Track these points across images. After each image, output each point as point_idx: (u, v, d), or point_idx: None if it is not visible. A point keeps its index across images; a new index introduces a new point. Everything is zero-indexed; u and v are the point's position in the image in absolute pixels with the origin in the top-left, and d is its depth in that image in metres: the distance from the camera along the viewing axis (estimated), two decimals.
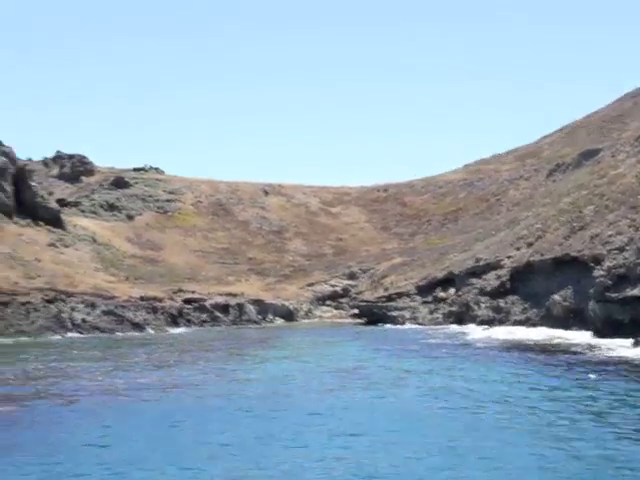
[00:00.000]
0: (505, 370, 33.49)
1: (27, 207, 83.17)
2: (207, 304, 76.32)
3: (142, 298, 70.72)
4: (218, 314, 75.90)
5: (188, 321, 73.06)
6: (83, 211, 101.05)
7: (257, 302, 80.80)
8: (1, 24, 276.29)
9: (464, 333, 56.39)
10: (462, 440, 19.66)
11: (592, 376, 30.10)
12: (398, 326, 70.10)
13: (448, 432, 20.63)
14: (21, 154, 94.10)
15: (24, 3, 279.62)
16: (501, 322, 59.98)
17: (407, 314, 73.09)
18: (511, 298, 61.78)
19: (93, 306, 64.81)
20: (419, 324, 69.55)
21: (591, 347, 41.76)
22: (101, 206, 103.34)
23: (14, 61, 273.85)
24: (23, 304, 60.66)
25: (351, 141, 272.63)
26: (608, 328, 46.46)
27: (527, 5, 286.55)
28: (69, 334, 59.92)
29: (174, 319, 71.10)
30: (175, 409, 24.95)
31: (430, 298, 73.81)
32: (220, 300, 77.79)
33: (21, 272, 66.24)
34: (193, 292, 78.45)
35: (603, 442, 19.09)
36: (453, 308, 69.02)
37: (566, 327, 52.10)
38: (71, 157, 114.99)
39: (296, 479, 16.71)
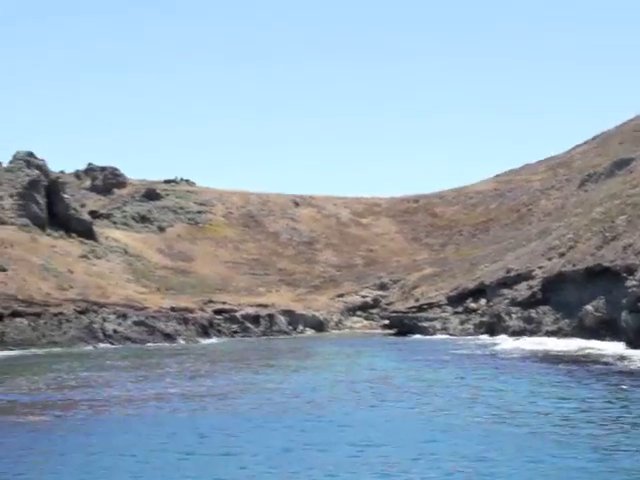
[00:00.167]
0: (536, 381, 33.26)
1: (60, 219, 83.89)
2: (238, 315, 76.49)
3: (173, 309, 71.00)
4: (249, 325, 76.03)
5: (219, 332, 73.23)
6: (115, 223, 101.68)
7: (287, 313, 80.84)
8: (32, 35, 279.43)
9: (495, 344, 56.04)
10: (496, 450, 19.52)
11: (625, 387, 29.81)
12: (428, 337, 69.82)
13: (481, 442, 20.49)
14: (54, 167, 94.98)
15: (56, 13, 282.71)
16: (532, 333, 59.54)
17: (438, 325, 72.81)
18: (542, 309, 61.30)
19: (124, 317, 65.19)
20: (450, 335, 69.22)
21: (622, 358, 41.35)
22: (133, 218, 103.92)
23: (47, 75, 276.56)
24: (55, 315, 61.15)
25: (381, 152, 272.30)
26: None
27: (559, 9, 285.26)
28: (101, 345, 60.32)
29: (205, 330, 71.27)
30: (205, 419, 25.00)
31: (461, 309, 73.45)
32: (251, 311, 77.91)
33: (54, 283, 66.78)
34: (224, 303, 78.63)
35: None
36: (484, 319, 68.63)
37: (598, 338, 51.62)
38: (103, 169, 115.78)
39: None
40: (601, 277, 55.30)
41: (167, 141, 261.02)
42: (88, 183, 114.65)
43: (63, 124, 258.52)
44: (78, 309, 63.11)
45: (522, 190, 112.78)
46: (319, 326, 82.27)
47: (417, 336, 70.80)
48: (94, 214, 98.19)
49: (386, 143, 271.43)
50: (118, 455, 19.65)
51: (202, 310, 74.71)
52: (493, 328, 65.46)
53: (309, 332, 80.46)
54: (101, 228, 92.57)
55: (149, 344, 62.43)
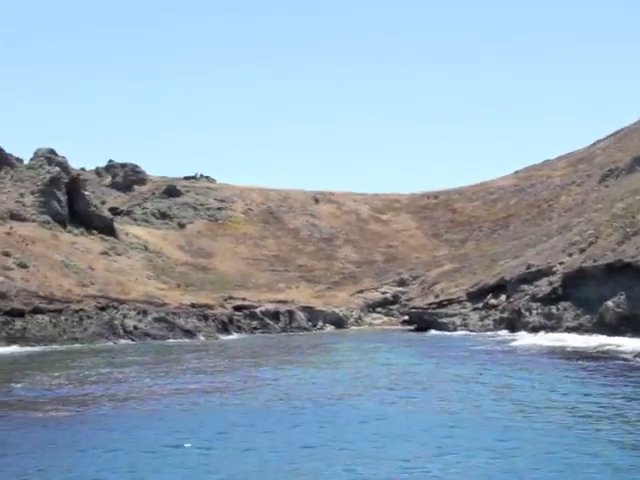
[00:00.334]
0: (556, 377, 33.15)
1: (80, 216, 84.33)
2: (257, 311, 76.65)
3: (193, 305, 71.25)
4: (268, 321, 76.16)
5: (239, 328, 73.40)
6: (135, 219, 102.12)
7: (307, 309, 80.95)
8: (54, 35, 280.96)
9: (515, 340, 55.89)
10: (517, 445, 19.49)
11: None
12: (448, 333, 69.73)
13: (502, 438, 20.46)
14: (74, 164, 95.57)
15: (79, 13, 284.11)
16: (553, 329, 59.30)
17: (458, 321, 72.68)
18: (563, 304, 61.02)
19: (145, 313, 65.47)
20: (470, 331, 69.08)
21: None
22: (153, 214, 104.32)
23: (68, 73, 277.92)
24: (76, 311, 61.51)
25: (401, 148, 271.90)
26: None
27: (575, 7, 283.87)
28: (121, 341, 60.61)
29: (225, 326, 71.44)
30: (225, 414, 25.09)
31: (481, 305, 73.27)
32: (270, 307, 78.06)
33: (74, 280, 67.15)
34: (244, 299, 78.82)
35: None
36: (504, 315, 68.42)
37: (619, 334, 51.36)
38: (123, 166, 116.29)
39: None
40: (622, 273, 55.03)
41: (187, 138, 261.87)
42: (109, 180, 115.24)
43: (84, 121, 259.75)
44: (99, 305, 63.46)
45: (542, 186, 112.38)
46: (339, 322, 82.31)
47: (437, 332, 70.74)
48: (114, 211, 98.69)
49: (406, 139, 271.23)
50: (139, 451, 19.73)
51: (222, 306, 74.91)
52: (513, 324, 65.24)
53: (329, 328, 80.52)
54: (121, 225, 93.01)
55: (169, 340, 62.66)
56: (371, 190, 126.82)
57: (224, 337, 67.57)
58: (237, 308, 76.26)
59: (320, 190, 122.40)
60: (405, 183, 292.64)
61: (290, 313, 78.34)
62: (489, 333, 65.44)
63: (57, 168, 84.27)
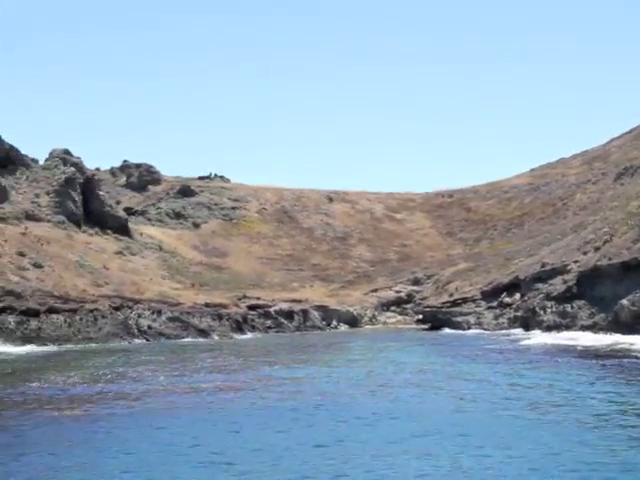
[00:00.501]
0: (571, 375, 33.06)
1: (95, 216, 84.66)
2: (272, 310, 76.75)
3: (207, 305, 71.39)
4: (282, 320, 76.25)
5: (253, 327, 73.49)
6: (150, 219, 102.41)
7: (321, 308, 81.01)
8: (68, 35, 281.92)
9: (529, 338, 55.75)
10: (534, 443, 19.44)
11: None
12: (462, 331, 69.66)
13: (519, 436, 20.43)
14: (89, 164, 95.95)
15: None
16: (567, 327, 59.14)
17: (472, 319, 72.60)
18: (578, 303, 60.83)
19: (159, 313, 65.64)
20: (484, 329, 68.99)
21: None
22: (167, 214, 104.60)
23: (82, 74, 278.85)
24: (91, 311, 61.72)
25: (415, 147, 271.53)
26: None
27: (594, 3, 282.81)
28: (135, 340, 60.77)
29: (239, 325, 71.52)
30: (239, 413, 25.13)
31: (495, 303, 73.15)
32: (284, 306, 78.14)
33: (89, 280, 67.41)
34: (258, 299, 78.94)
35: None
36: (519, 313, 68.27)
37: (634, 332, 51.11)
38: (138, 166, 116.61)
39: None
40: (637, 271, 54.84)
41: (201, 138, 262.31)
42: (123, 180, 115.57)
43: (99, 122, 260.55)
44: (113, 305, 63.67)
45: (557, 184, 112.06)
46: (353, 321, 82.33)
47: (451, 331, 70.68)
48: (129, 211, 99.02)
49: (420, 139, 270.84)
50: (153, 449, 19.77)
51: (236, 306, 75.04)
52: (527, 323, 65.10)
53: (343, 327, 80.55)
54: (136, 225, 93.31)
55: (183, 340, 62.79)
56: (385, 189, 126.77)
57: (238, 336, 67.65)
58: (251, 307, 76.39)
59: (334, 189, 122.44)
60: (419, 182, 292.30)
61: (304, 312, 78.41)
62: (503, 332, 65.34)
63: (72, 168, 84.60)
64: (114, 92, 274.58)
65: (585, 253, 65.66)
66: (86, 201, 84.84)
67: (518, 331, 63.99)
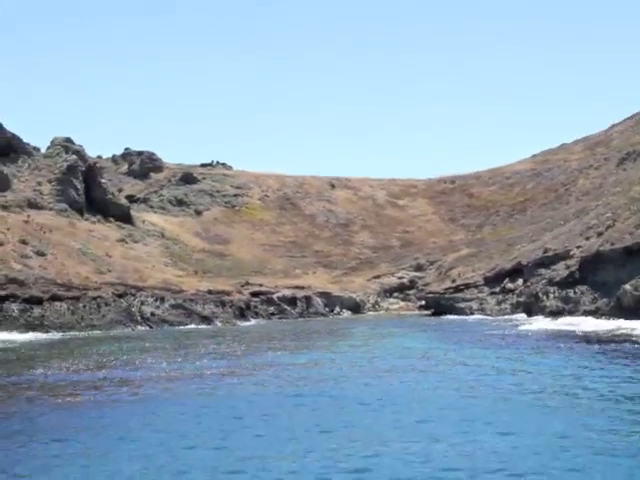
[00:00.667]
0: (573, 360, 33.07)
1: (97, 204, 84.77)
2: (274, 297, 76.90)
3: (210, 292, 71.51)
4: (285, 307, 76.38)
5: (256, 314, 73.62)
6: (152, 207, 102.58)
7: (324, 295, 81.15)
8: (69, 23, 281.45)
9: (531, 324, 55.81)
10: (541, 424, 19.47)
11: None
12: (465, 317, 69.74)
13: (529, 420, 20.46)
14: (91, 152, 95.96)
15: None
16: (570, 312, 59.16)
17: (474, 305, 72.70)
18: (580, 288, 60.82)
19: (162, 300, 65.76)
20: (486, 315, 69.10)
21: None
22: (169, 202, 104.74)
23: (83, 62, 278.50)
24: (94, 299, 61.85)
25: (417, 134, 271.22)
26: None
27: None
28: (139, 327, 60.90)
29: (242, 312, 71.65)
30: (242, 399, 25.14)
31: (498, 289, 73.26)
32: (287, 293, 78.28)
33: (92, 267, 67.52)
34: (261, 285, 79.07)
35: None
36: (521, 299, 68.32)
37: (637, 317, 51.12)
38: (140, 154, 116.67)
39: (376, 469, 16.56)
40: (639, 256, 54.82)
41: (203, 125, 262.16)
42: (125, 168, 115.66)
43: (100, 110, 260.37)
44: (116, 293, 63.80)
45: (559, 170, 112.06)
46: (356, 307, 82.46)
47: (453, 317, 70.75)
48: (131, 198, 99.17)
49: (422, 125, 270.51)
50: (157, 435, 19.79)
51: (239, 292, 75.20)
52: (530, 308, 65.14)
53: (346, 313, 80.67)
54: (138, 212, 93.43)
55: (186, 327, 62.89)
56: (387, 175, 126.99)
57: (241, 323, 67.77)
58: (254, 294, 76.54)
59: (336, 176, 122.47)
60: (422, 168, 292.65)
61: (307, 299, 78.53)
62: (506, 317, 65.44)
63: (74, 156, 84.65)
64: (116, 80, 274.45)
65: (588, 238, 65.66)
66: (88, 189, 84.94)
67: (521, 316, 64.06)
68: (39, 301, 58.70)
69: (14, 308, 57.05)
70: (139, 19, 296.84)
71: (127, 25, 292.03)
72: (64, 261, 66.19)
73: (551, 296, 63.21)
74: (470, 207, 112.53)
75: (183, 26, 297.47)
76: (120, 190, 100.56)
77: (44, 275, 61.81)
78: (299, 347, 43.74)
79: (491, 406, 22.57)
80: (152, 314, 63.76)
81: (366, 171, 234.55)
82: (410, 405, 23.14)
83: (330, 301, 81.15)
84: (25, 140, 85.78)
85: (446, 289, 78.76)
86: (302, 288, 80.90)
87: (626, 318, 51.79)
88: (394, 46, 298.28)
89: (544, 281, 65.77)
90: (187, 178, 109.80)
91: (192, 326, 63.30)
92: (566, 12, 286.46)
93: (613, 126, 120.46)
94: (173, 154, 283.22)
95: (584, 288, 60.51)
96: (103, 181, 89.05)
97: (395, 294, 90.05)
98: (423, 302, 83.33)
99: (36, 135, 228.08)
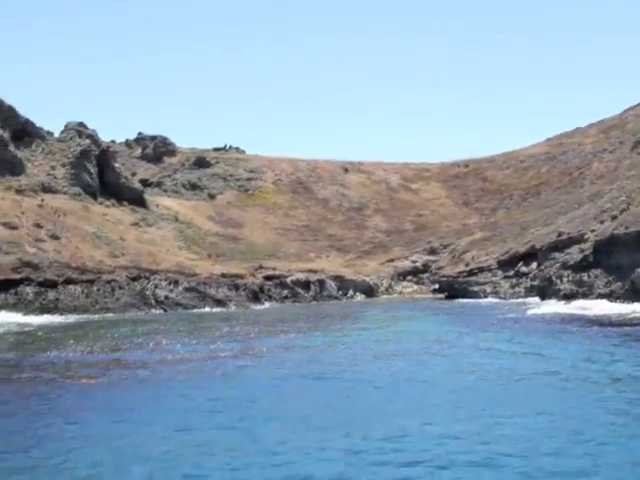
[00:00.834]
0: (586, 344, 33.04)
1: (111, 188, 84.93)
2: (288, 280, 76.92)
3: (224, 275, 71.61)
4: (299, 290, 76.43)
5: (269, 297, 73.68)
6: (165, 191, 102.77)
7: (337, 278, 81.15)
8: (83, 9, 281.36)
9: (545, 307, 55.71)
10: (558, 409, 19.49)
11: None
12: (478, 300, 69.67)
13: (542, 401, 20.51)
14: (104, 136, 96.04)
15: None
16: (584, 296, 58.99)
17: (488, 289, 72.60)
18: (594, 272, 60.61)
19: (176, 283, 65.89)
20: (500, 299, 68.98)
21: None
22: (183, 186, 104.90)
23: (97, 46, 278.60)
24: (108, 282, 62.05)
25: (431, 117, 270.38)
26: None
27: None
28: (153, 311, 61.05)
29: (255, 295, 71.72)
30: (255, 381, 25.22)
31: (512, 273, 73.10)
32: (301, 276, 78.31)
33: (106, 251, 67.72)
34: (274, 269, 79.12)
35: None
36: (535, 282, 68.15)
37: None
38: (153, 138, 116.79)
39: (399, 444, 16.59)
40: None
41: (216, 109, 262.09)
42: (138, 152, 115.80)
43: (113, 95, 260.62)
44: (130, 276, 63.99)
45: (574, 153, 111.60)
46: (369, 291, 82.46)
47: (467, 300, 70.66)
48: (145, 182, 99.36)
49: (436, 108, 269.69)
50: (170, 415, 19.89)
51: (253, 276, 75.27)
52: (544, 292, 64.98)
53: (359, 297, 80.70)
54: (152, 196, 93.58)
55: (200, 310, 63.04)
56: (401, 159, 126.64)
57: (255, 306, 67.86)
58: (268, 278, 76.58)
59: (349, 160, 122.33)
60: (435, 152, 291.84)
61: (320, 282, 78.56)
62: (519, 301, 65.30)
63: (87, 141, 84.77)
64: (129, 65, 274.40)
65: (602, 222, 65.42)
66: (102, 173, 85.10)
67: (534, 300, 63.89)
68: (54, 284, 58.96)
69: (29, 291, 57.35)
70: (152, 3, 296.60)
71: (141, 10, 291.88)
72: (78, 245, 66.42)
73: (565, 280, 63.04)
74: (484, 191, 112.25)
75: (197, 10, 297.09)
76: (134, 174, 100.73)
77: (58, 259, 62.04)
78: (312, 330, 43.83)
79: (505, 390, 22.59)
80: (166, 297, 63.90)
81: (379, 155, 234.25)
82: (425, 389, 23.18)
83: (343, 285, 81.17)
84: (39, 125, 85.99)
85: (460, 273, 78.65)
86: (315, 272, 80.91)
87: None
88: (408, 29, 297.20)
89: (558, 265, 65.59)
90: (200, 162, 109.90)
91: (206, 309, 63.45)
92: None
93: (628, 109, 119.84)
94: (186, 138, 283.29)
95: (598, 272, 60.30)
96: (117, 165, 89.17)
97: (408, 278, 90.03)
98: (436, 286, 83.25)
99: (50, 120, 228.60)
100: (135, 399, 22.29)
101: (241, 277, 73.22)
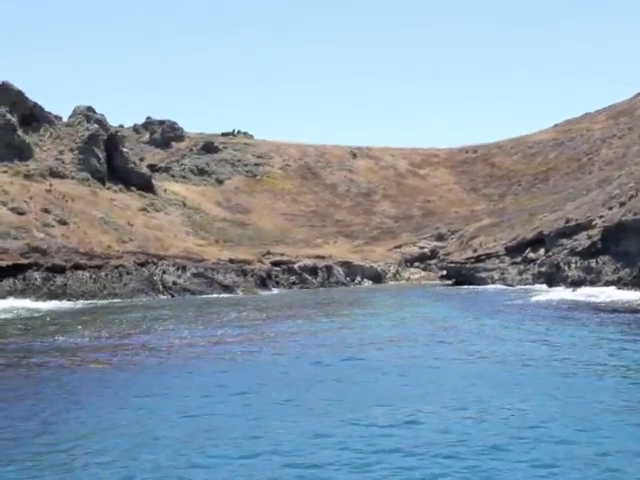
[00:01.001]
0: (595, 330, 33.00)
1: (119, 173, 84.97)
2: (296, 266, 77.02)
3: (231, 261, 71.69)
4: (307, 276, 76.51)
5: (277, 283, 73.80)
6: (173, 176, 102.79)
7: (345, 264, 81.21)
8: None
9: (552, 294, 55.68)
10: (572, 393, 19.49)
11: None
12: (485, 287, 69.62)
13: (550, 386, 20.53)
14: (112, 121, 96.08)
15: None
16: (592, 283, 58.96)
17: (496, 275, 72.56)
18: (602, 258, 60.54)
19: (184, 269, 66.00)
20: (508, 285, 68.95)
21: None
22: (191, 171, 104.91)
23: (106, 33, 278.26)
24: (116, 267, 62.19)
25: (439, 103, 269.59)
26: None
27: None
28: (160, 296, 61.21)
29: (263, 281, 71.82)
30: (262, 366, 25.27)
31: (519, 259, 73.03)
32: (308, 262, 78.38)
33: (114, 236, 67.83)
34: (282, 255, 79.20)
35: None
36: (543, 269, 68.09)
37: None
38: (161, 123, 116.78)
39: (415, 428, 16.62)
40: None
41: (225, 95, 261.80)
42: (147, 137, 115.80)
43: (122, 79, 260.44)
44: (138, 261, 64.11)
45: (582, 139, 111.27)
46: (377, 277, 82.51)
47: (474, 287, 70.60)
48: (153, 167, 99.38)
49: (444, 94, 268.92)
50: (178, 400, 19.95)
51: (260, 262, 75.36)
52: (552, 278, 64.95)
53: (367, 283, 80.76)
54: (160, 181, 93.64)
55: (208, 295, 63.15)
56: (409, 145, 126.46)
57: (262, 292, 67.97)
58: (275, 263, 76.70)
59: (358, 145, 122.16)
60: (443, 137, 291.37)
61: (328, 268, 78.62)
62: (527, 287, 65.25)
63: (95, 125, 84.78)
64: (137, 50, 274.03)
65: (610, 208, 65.25)
66: (110, 158, 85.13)
67: (542, 287, 63.87)
68: (62, 270, 59.12)
69: (37, 277, 57.52)
70: None
71: None
72: (86, 230, 66.53)
73: (573, 266, 62.98)
74: (492, 177, 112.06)
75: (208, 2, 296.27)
76: (142, 159, 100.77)
77: (66, 244, 62.18)
78: (320, 316, 43.87)
79: (510, 375, 22.58)
80: (174, 283, 64.06)
81: (387, 140, 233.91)
82: (432, 375, 23.19)
83: (351, 271, 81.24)
84: (47, 109, 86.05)
85: (467, 259, 78.62)
86: (323, 258, 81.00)
87: None
88: (417, 16, 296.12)
89: (566, 251, 65.50)
90: (208, 147, 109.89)
91: (214, 295, 63.56)
92: None
93: (637, 95, 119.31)
94: (194, 123, 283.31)
95: (606, 258, 60.22)
96: (125, 150, 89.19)
97: (416, 264, 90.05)
98: (444, 272, 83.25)
99: (58, 104, 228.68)
100: (143, 384, 22.36)
101: (249, 263, 73.31)
